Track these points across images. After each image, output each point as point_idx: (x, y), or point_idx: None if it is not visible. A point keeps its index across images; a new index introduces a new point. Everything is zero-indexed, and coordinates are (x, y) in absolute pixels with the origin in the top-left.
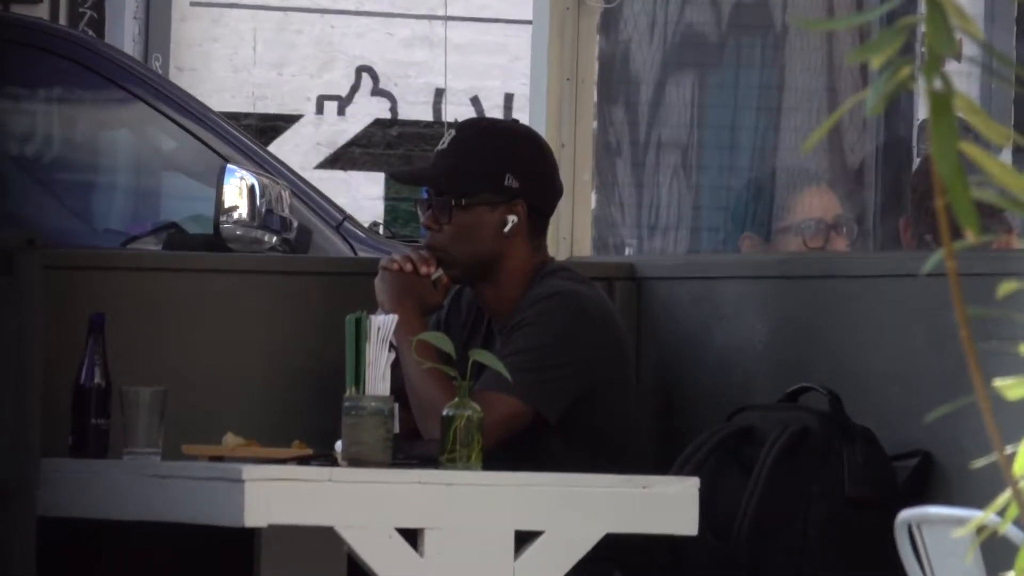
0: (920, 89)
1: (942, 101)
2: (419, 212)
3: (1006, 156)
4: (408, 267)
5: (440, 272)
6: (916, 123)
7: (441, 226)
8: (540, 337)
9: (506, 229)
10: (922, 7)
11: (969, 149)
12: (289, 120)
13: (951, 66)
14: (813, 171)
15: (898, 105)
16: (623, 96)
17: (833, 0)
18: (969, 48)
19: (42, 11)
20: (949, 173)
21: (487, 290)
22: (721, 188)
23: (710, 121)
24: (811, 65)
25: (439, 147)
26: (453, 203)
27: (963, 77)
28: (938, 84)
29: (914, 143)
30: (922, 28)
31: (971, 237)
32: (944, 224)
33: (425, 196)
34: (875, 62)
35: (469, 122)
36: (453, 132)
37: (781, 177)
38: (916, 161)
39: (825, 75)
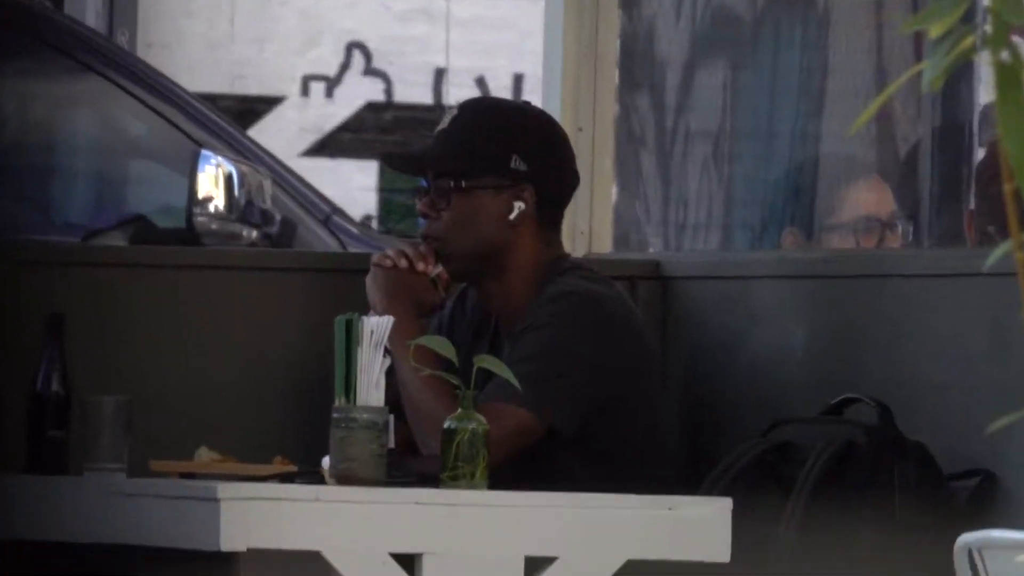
0: (983, 65)
1: (1010, 74)
2: (417, 202)
3: None
4: (403, 263)
5: (439, 268)
6: (977, 108)
7: (439, 212)
8: (553, 341)
9: (511, 216)
10: None
11: None
12: (271, 102)
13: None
14: (861, 161)
15: (957, 87)
16: (647, 80)
17: None
18: None
19: None
20: (1019, 154)
21: (493, 288)
22: (757, 181)
23: (745, 107)
24: (859, 46)
25: (439, 127)
26: (452, 185)
27: None
28: (1005, 56)
29: (975, 130)
30: None
31: None
32: (1012, 211)
33: (424, 184)
34: (933, 31)
35: (473, 100)
36: (455, 110)
37: (825, 168)
38: (977, 150)
39: (875, 57)
